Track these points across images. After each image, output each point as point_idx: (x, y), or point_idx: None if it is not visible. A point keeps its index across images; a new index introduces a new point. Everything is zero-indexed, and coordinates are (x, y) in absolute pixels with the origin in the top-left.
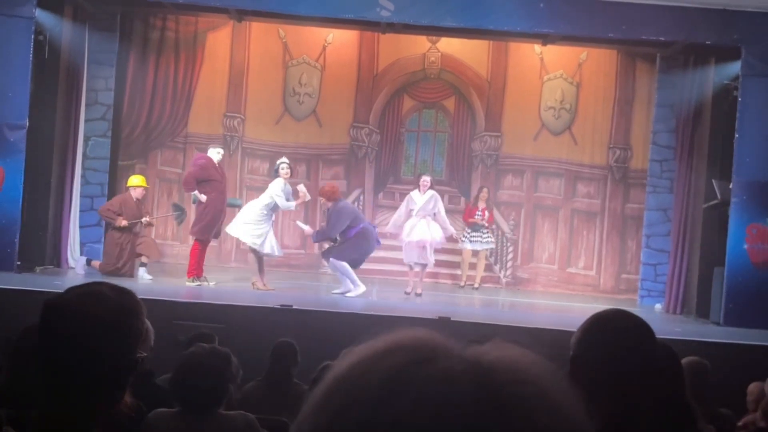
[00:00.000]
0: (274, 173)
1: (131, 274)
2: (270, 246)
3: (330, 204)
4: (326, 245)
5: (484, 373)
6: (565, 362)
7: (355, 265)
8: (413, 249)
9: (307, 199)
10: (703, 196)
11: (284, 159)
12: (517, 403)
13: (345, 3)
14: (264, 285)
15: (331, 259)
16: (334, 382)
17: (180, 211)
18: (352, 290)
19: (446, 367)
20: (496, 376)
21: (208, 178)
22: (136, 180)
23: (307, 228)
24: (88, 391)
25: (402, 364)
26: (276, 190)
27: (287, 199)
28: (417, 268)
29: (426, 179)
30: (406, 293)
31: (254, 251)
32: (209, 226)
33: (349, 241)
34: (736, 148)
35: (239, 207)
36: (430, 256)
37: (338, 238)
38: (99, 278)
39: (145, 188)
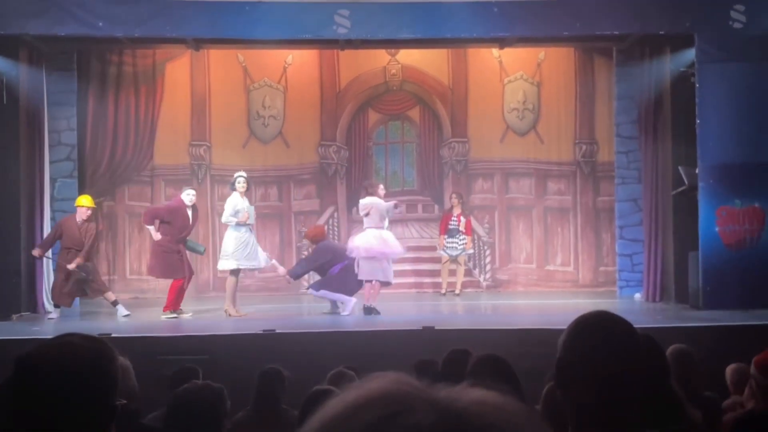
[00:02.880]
0: (231, 187)
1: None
2: (263, 259)
3: (315, 245)
4: (309, 279)
5: (455, 423)
6: (552, 363)
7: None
8: (375, 264)
9: (249, 221)
10: (671, 183)
11: (241, 173)
12: None
13: (301, 23)
14: (237, 311)
15: (318, 291)
16: None
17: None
18: (347, 308)
19: (417, 421)
20: (468, 425)
21: (170, 221)
22: (82, 200)
23: (281, 269)
24: None
25: (373, 421)
26: (227, 204)
27: (232, 215)
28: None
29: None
30: (366, 307)
31: (234, 274)
32: (161, 265)
33: (336, 277)
34: (698, 134)
35: (200, 253)
36: (390, 271)
37: (324, 274)
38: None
39: (90, 208)
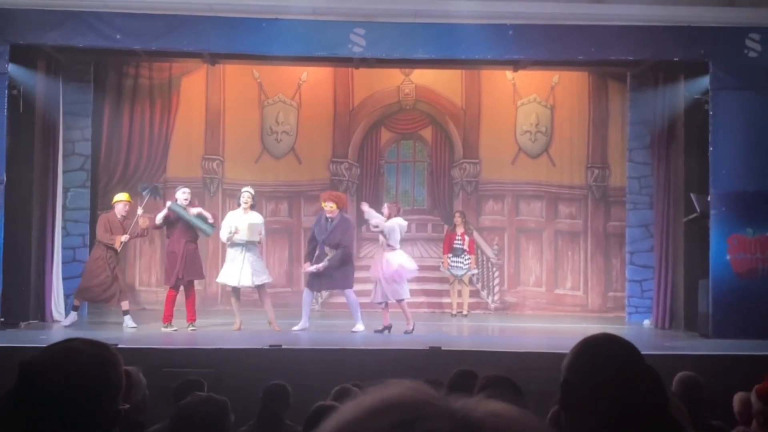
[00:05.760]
0: (237, 203)
1: (117, 303)
2: (232, 278)
3: (336, 213)
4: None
5: None
6: (557, 385)
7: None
8: (387, 284)
9: (240, 238)
10: (682, 210)
11: (246, 188)
12: None
13: (317, 41)
14: (237, 324)
15: (348, 291)
16: None
17: (151, 187)
18: (357, 326)
19: (433, 429)
20: None
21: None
22: (119, 196)
23: (317, 266)
24: None
25: (389, 427)
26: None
27: (225, 231)
28: (392, 305)
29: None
30: (376, 331)
31: (258, 288)
32: (169, 271)
33: (351, 265)
34: (711, 161)
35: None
36: (406, 289)
37: (337, 261)
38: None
39: (128, 202)
